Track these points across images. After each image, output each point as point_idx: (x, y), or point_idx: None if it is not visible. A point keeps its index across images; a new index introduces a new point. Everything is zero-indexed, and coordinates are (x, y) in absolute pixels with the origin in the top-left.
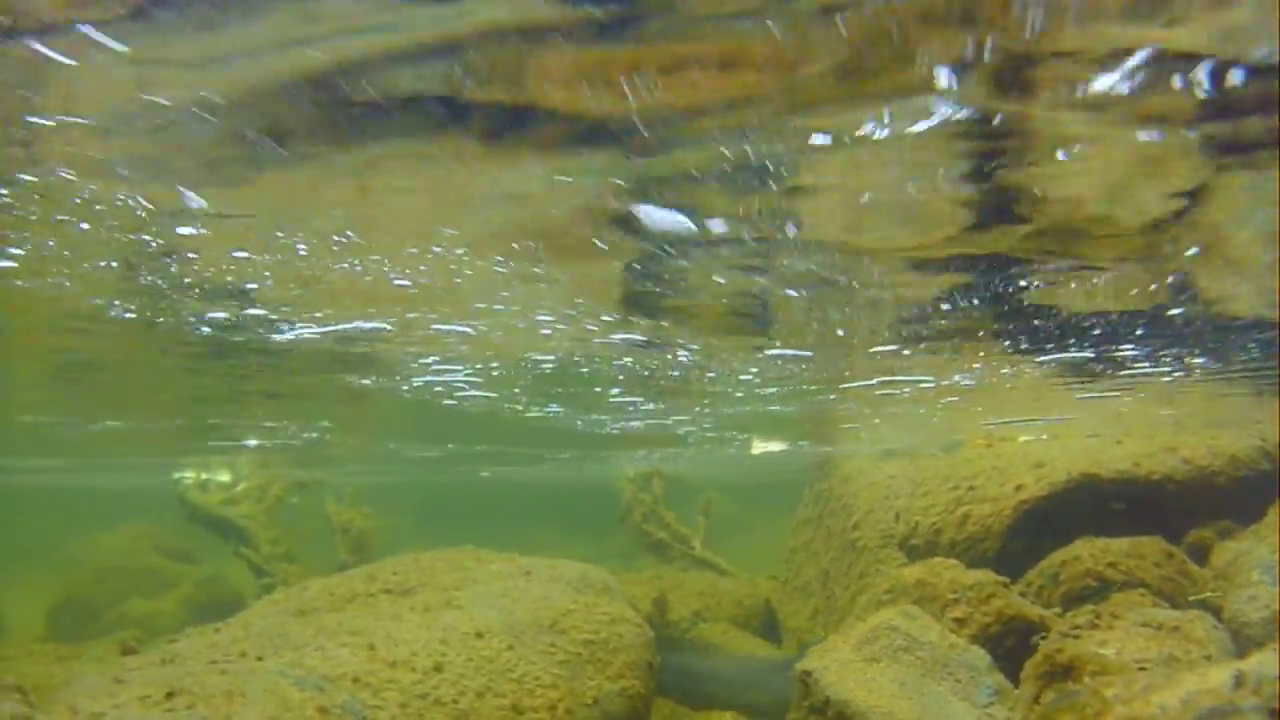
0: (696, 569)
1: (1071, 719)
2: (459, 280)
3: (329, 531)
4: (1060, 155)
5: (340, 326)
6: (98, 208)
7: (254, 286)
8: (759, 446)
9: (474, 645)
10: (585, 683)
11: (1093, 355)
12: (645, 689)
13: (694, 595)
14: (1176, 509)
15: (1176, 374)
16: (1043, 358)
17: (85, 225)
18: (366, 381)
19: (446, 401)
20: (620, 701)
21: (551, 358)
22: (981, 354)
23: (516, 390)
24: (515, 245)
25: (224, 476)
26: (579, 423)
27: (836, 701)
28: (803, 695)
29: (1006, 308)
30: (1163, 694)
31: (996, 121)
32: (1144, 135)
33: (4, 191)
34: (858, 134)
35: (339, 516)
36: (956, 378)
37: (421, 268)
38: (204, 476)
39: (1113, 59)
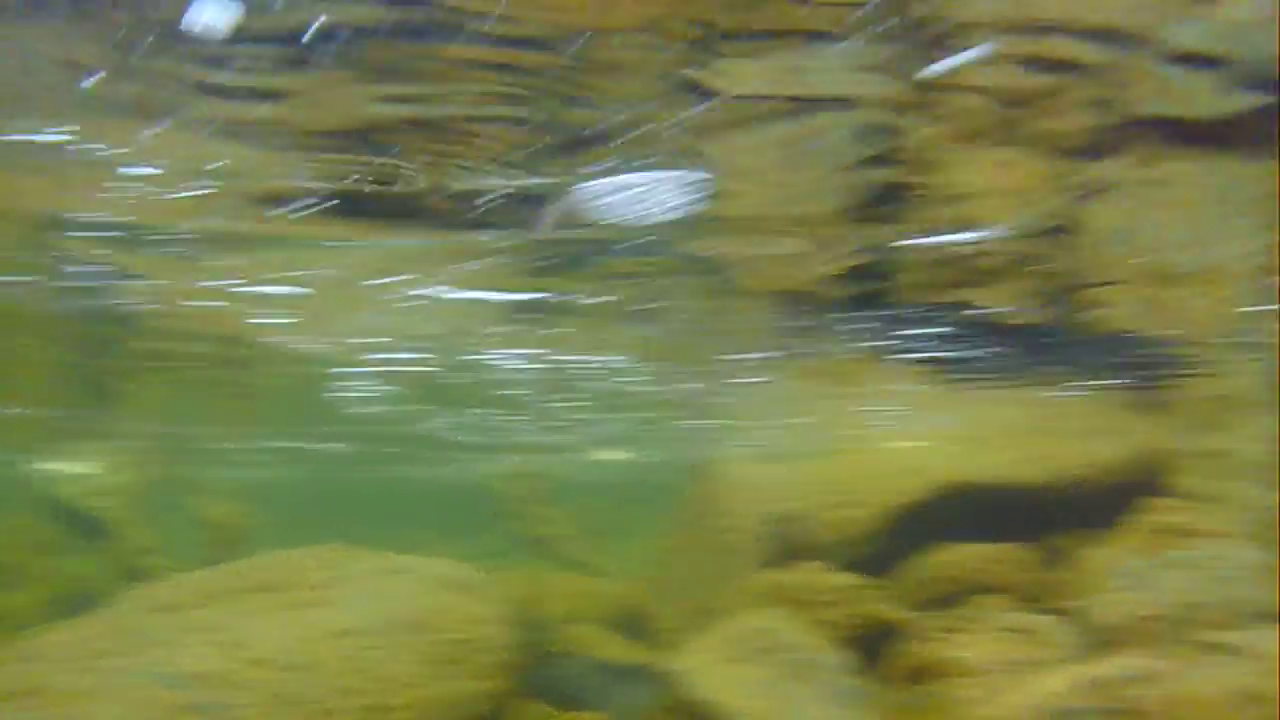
0: (569, 569)
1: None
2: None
3: (196, 527)
4: None
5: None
6: None
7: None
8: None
9: (339, 644)
10: (450, 683)
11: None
12: (510, 689)
13: (565, 596)
14: (1042, 515)
15: (1046, 382)
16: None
17: None
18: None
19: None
20: (483, 702)
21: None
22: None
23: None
24: None
25: (88, 468)
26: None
27: (701, 702)
28: (667, 695)
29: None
30: (1012, 696)
31: None
32: None
33: None
34: None
35: (206, 511)
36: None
37: None
38: (67, 468)
39: None
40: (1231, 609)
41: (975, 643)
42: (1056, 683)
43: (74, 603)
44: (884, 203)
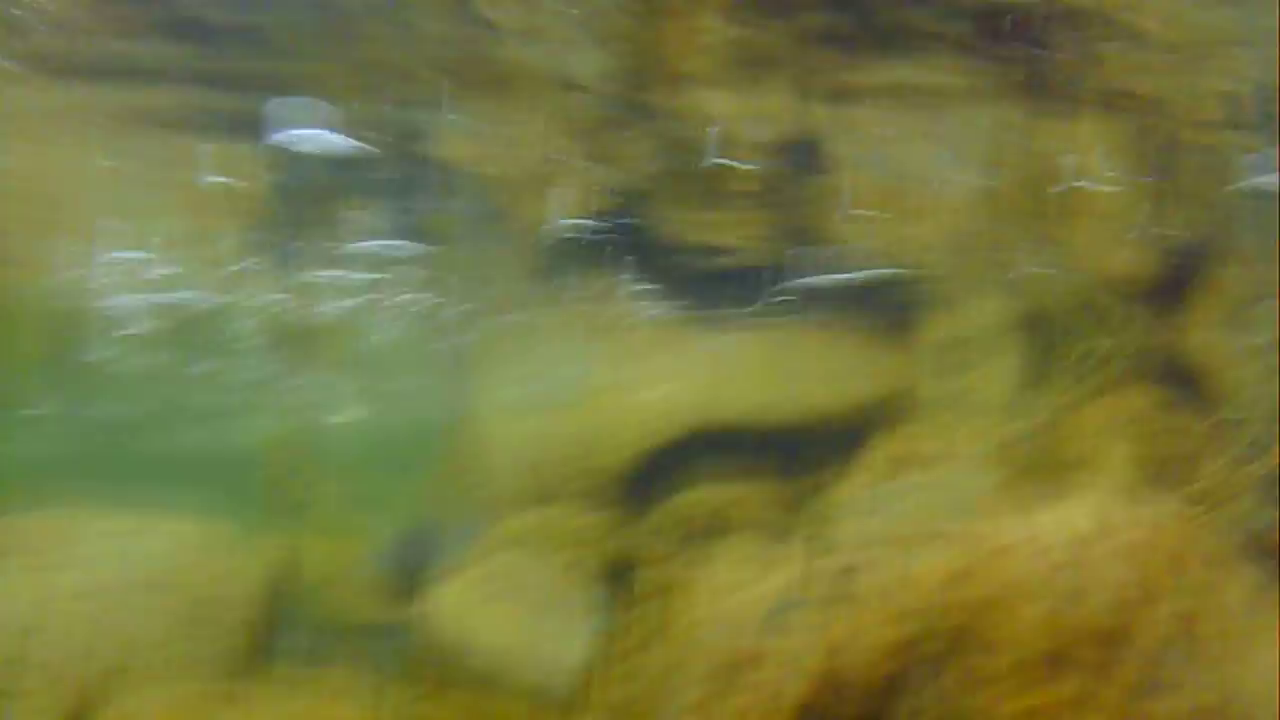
0: (328, 534)
1: (654, 624)
2: None
3: None
4: None
5: None
6: None
7: None
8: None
9: (77, 605)
10: (193, 643)
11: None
12: (256, 648)
13: (322, 560)
14: (790, 453)
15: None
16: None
17: None
18: None
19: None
20: (230, 660)
21: None
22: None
23: None
24: None
25: None
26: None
27: (450, 644)
28: (417, 640)
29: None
30: (730, 601)
31: None
32: None
33: None
34: None
35: None
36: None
37: None
38: None
39: None
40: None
41: (714, 571)
42: (772, 583)
43: None
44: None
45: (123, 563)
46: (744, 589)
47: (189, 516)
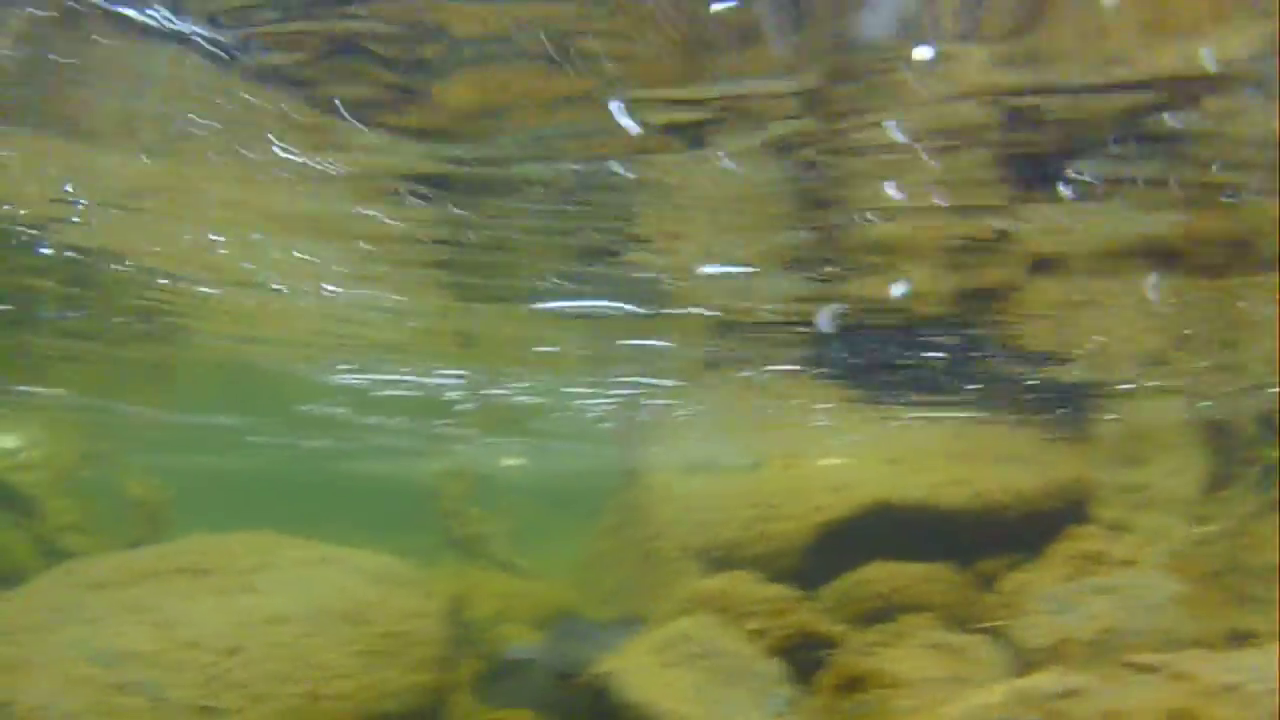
0: (498, 570)
1: None
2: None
3: (122, 506)
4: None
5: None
6: None
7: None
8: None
9: (271, 630)
10: (383, 674)
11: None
12: (443, 683)
13: (494, 596)
14: (966, 539)
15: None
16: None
17: None
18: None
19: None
20: (418, 695)
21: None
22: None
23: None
24: None
25: (8, 442)
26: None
27: (633, 704)
28: (599, 696)
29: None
30: (948, 707)
31: None
32: None
33: None
34: None
35: (133, 491)
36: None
37: None
38: None
39: None
40: (1150, 635)
41: (904, 657)
42: (991, 695)
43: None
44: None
45: (314, 592)
46: (949, 699)
47: (373, 550)
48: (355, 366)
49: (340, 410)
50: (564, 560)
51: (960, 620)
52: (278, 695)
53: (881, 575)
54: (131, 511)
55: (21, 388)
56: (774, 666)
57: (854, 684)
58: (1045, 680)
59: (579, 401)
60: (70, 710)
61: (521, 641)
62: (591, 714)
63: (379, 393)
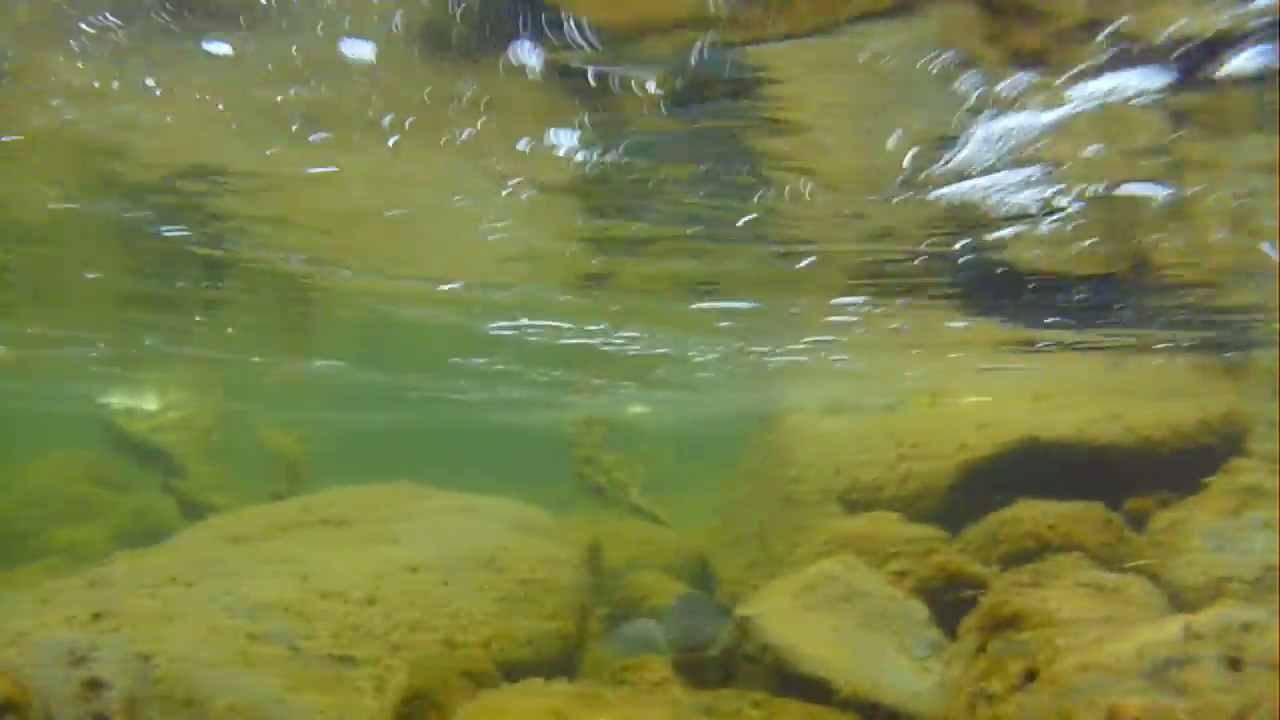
0: (633, 517)
1: (1022, 665)
2: None
3: (258, 462)
4: None
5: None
6: None
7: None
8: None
9: (409, 579)
10: (519, 621)
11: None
12: (579, 631)
13: (629, 543)
14: (1117, 476)
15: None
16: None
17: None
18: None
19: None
20: (554, 642)
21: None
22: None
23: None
24: None
25: (152, 403)
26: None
27: (775, 647)
28: (740, 640)
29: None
30: (1115, 644)
31: None
32: None
33: None
34: None
35: (272, 445)
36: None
37: None
38: (131, 403)
39: None
40: None
41: (1056, 597)
42: (1161, 632)
43: (140, 536)
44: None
45: (451, 540)
46: (1109, 638)
47: (509, 498)
48: (503, 318)
49: (480, 360)
50: (696, 506)
51: (1110, 559)
52: (414, 644)
53: (1029, 514)
54: (271, 466)
55: (165, 347)
56: (918, 609)
57: (1006, 623)
58: (1220, 614)
59: (704, 349)
60: (211, 660)
61: (639, 620)
62: (732, 658)
63: (524, 341)
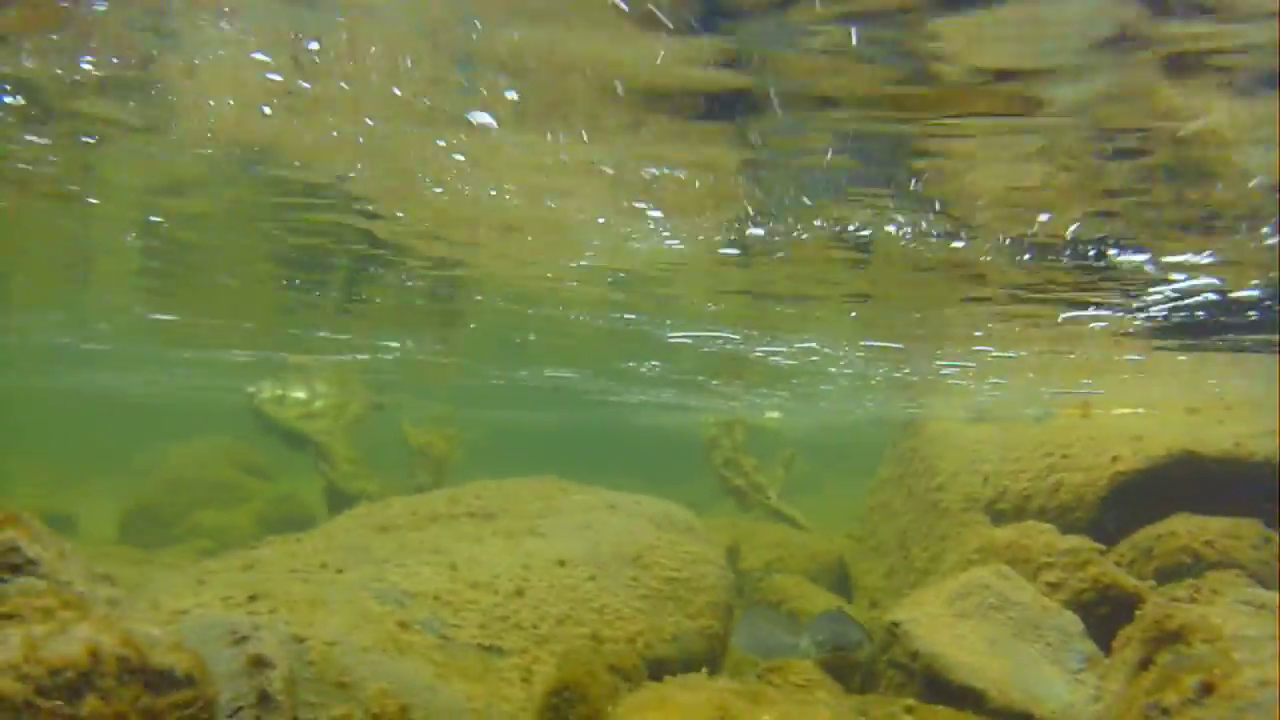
0: (771, 520)
1: (1196, 679)
2: None
3: (404, 454)
4: None
5: None
6: None
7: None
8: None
9: (556, 573)
10: (665, 619)
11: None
12: (724, 630)
13: (767, 546)
14: (1275, 493)
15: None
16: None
17: None
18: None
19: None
20: (699, 641)
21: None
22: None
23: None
24: None
25: (300, 392)
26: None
27: (926, 654)
28: (888, 650)
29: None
30: None
31: None
32: None
33: None
34: None
35: (418, 438)
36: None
37: None
38: (280, 391)
39: None
40: None
41: (1219, 613)
42: None
43: (283, 522)
44: None
45: (598, 536)
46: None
47: (652, 495)
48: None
49: (629, 364)
50: (828, 510)
51: (1268, 579)
52: (561, 637)
53: (1184, 529)
54: (418, 459)
55: (311, 337)
56: (1072, 620)
57: (1173, 636)
58: None
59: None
60: (361, 644)
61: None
62: (876, 663)
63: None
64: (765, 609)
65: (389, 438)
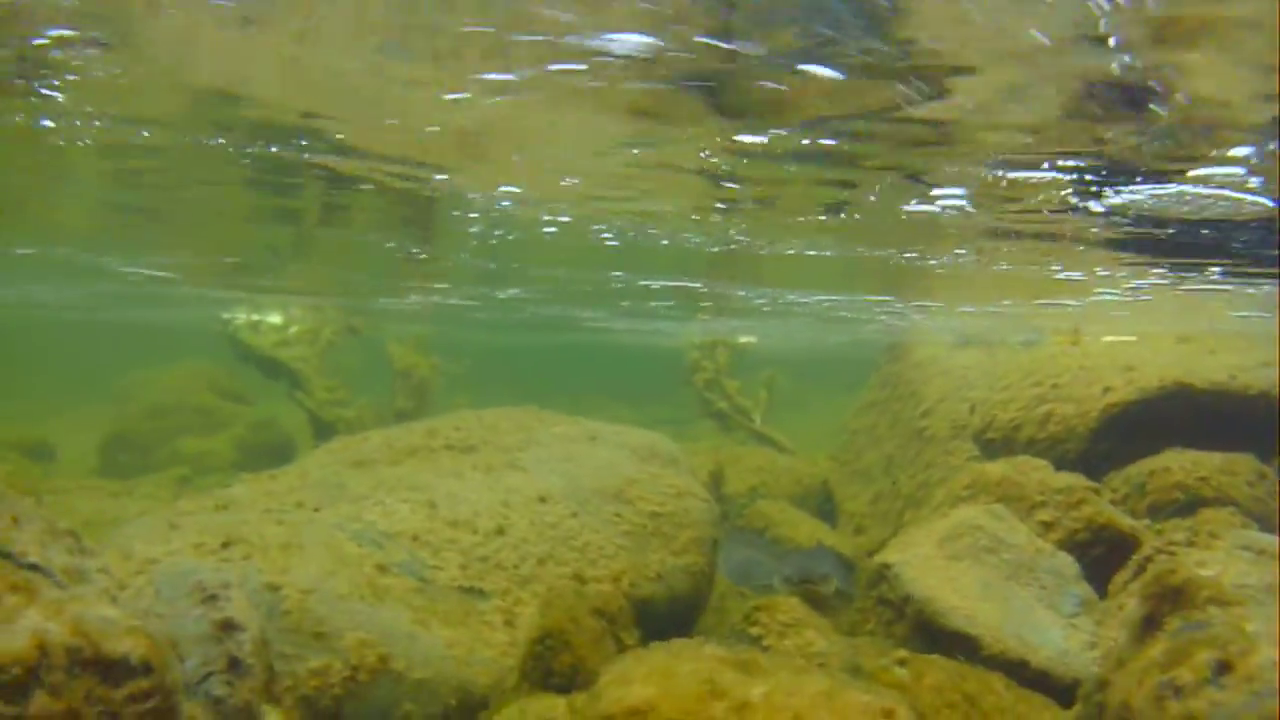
0: (755, 443)
1: (1212, 654)
2: None
3: (386, 378)
4: None
5: None
6: None
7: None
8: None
9: (537, 509)
10: (650, 556)
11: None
12: (709, 566)
13: (751, 470)
14: (1271, 427)
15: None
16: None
17: None
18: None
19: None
20: (684, 579)
21: None
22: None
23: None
24: None
25: (275, 318)
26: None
27: (918, 599)
28: (876, 587)
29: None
30: None
31: None
32: None
33: None
34: None
35: (400, 361)
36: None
37: None
38: (255, 317)
39: None
40: None
41: (1219, 561)
42: None
43: (262, 448)
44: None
45: (580, 470)
46: None
47: (624, 422)
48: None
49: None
50: (812, 428)
51: (1264, 516)
52: (544, 577)
53: (1178, 464)
54: (400, 381)
55: (289, 263)
56: (1068, 562)
57: (1176, 593)
58: None
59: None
60: (339, 592)
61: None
62: (869, 602)
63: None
64: (749, 535)
65: (370, 360)
